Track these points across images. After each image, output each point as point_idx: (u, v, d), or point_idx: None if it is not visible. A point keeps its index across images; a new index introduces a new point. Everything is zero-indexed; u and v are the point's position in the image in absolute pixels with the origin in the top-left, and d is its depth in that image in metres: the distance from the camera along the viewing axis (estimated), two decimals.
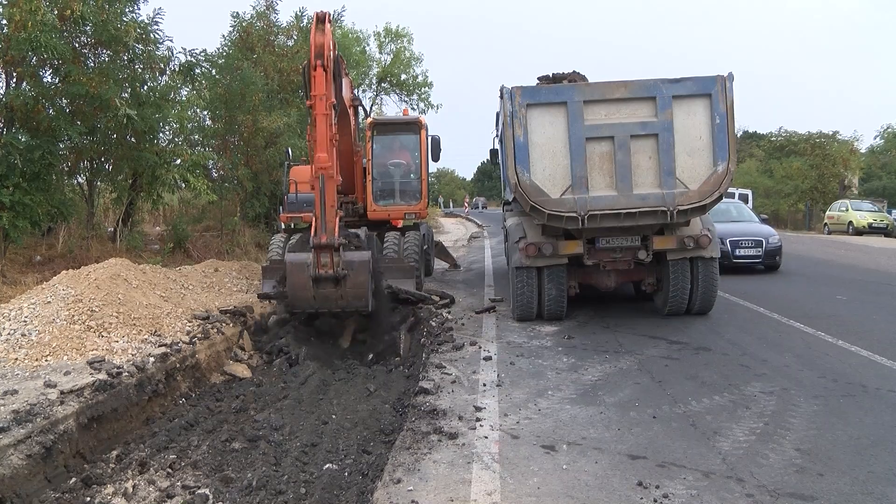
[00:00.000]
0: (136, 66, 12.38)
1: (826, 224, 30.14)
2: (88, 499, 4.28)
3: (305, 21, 19.38)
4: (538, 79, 9.22)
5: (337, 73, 7.92)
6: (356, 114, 10.74)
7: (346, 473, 4.49)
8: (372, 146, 11.55)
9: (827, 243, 21.32)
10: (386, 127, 12.37)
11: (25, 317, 6.27)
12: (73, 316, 6.36)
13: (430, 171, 12.43)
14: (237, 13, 18.99)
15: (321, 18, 7.41)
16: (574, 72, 9.35)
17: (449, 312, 8.94)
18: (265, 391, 6.32)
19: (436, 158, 11.87)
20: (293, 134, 16.54)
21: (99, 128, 11.82)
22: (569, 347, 7.06)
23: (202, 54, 13.50)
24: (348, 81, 9.53)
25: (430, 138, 11.79)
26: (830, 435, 4.49)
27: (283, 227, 12.85)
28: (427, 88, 34.38)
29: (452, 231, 30.99)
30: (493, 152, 12.52)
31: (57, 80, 11.30)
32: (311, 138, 7.64)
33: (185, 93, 16.22)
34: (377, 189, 11.63)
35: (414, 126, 12.11)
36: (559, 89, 7.74)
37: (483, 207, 66.89)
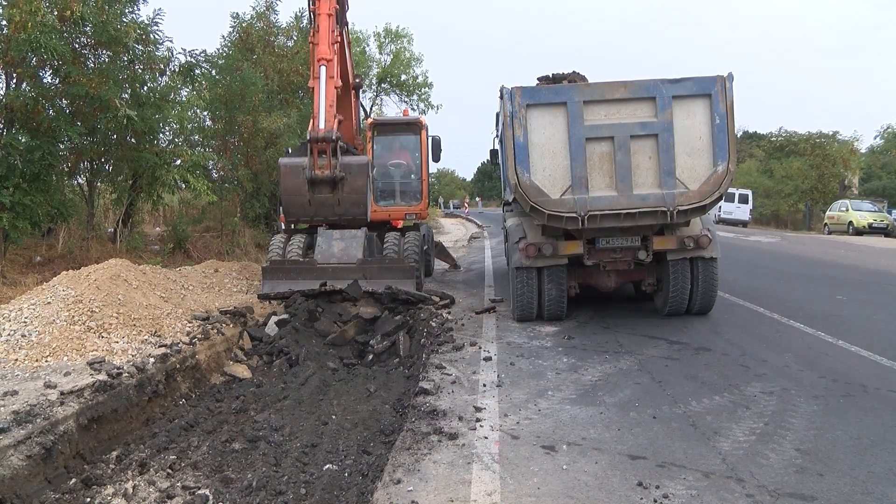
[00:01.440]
0: (136, 67, 12.39)
1: (826, 224, 30.16)
2: (88, 499, 4.28)
3: (305, 22, 19.38)
4: (538, 79, 9.23)
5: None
6: (357, 97, 10.71)
7: (346, 474, 4.49)
8: (372, 146, 11.56)
9: (827, 243, 21.31)
10: (386, 127, 12.37)
11: (25, 317, 6.27)
12: (73, 317, 6.35)
13: (430, 171, 12.46)
14: (237, 14, 19.04)
15: None
16: (574, 72, 9.35)
17: (449, 313, 8.93)
18: (265, 392, 6.32)
19: (436, 159, 11.90)
20: (293, 134, 16.54)
21: (99, 128, 11.82)
22: (569, 348, 7.05)
23: (202, 55, 13.51)
24: (349, 57, 9.48)
25: (430, 139, 11.80)
26: (830, 435, 4.49)
27: (282, 227, 12.87)
28: (427, 89, 34.41)
29: (452, 231, 30.98)
30: (493, 153, 12.52)
31: (57, 81, 11.30)
32: (313, 42, 7.55)
33: (185, 93, 16.25)
34: (378, 189, 11.64)
35: (414, 126, 12.12)
36: (559, 90, 7.74)
37: (455, 208, 57.88)
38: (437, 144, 11.82)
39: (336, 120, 7.30)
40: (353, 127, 10.24)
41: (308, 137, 7.11)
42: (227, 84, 15.24)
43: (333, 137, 7.02)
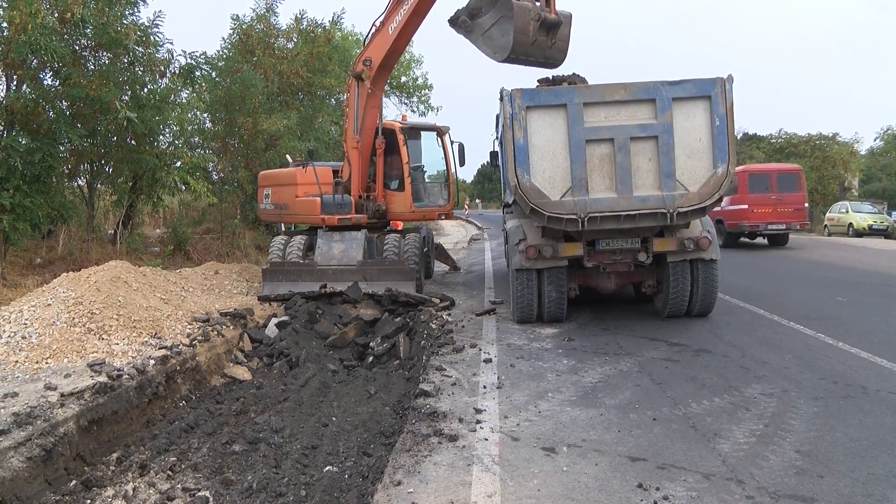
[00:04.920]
0: (137, 69, 12.39)
1: (826, 226, 30.13)
2: (88, 501, 4.28)
3: (305, 23, 19.42)
4: (538, 81, 9.21)
5: None
6: (382, 89, 11.51)
7: (346, 475, 4.49)
8: (407, 149, 11.68)
9: (827, 245, 21.30)
10: (414, 132, 12.58)
11: (26, 319, 6.28)
12: (74, 318, 6.36)
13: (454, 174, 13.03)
14: (237, 15, 19.02)
15: None
16: (574, 74, 9.33)
17: (449, 314, 8.94)
18: (265, 393, 6.32)
19: (462, 163, 12.62)
20: (293, 136, 16.56)
21: (99, 130, 11.83)
22: (569, 349, 7.06)
23: (202, 57, 13.52)
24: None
25: (456, 144, 12.49)
26: (830, 437, 4.49)
27: (283, 228, 12.89)
28: (427, 91, 34.30)
29: (452, 233, 30.96)
30: (494, 155, 12.59)
31: (57, 83, 11.31)
32: None
33: (185, 95, 16.24)
34: (414, 190, 11.81)
35: (436, 132, 12.70)
36: (559, 91, 7.75)
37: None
38: (462, 149, 12.49)
39: None
40: (377, 116, 11.18)
41: None
42: (228, 86, 15.25)
43: None
